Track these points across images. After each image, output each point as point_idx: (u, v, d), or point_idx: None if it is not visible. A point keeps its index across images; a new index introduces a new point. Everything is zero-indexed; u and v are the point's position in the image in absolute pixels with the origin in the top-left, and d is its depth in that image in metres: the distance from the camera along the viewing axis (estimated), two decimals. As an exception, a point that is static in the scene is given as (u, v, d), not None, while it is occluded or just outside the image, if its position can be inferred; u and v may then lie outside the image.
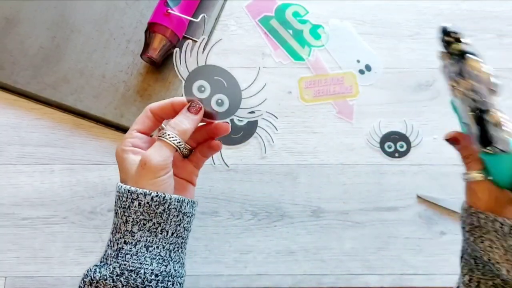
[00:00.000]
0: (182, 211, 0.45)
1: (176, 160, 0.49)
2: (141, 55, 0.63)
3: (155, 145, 0.44)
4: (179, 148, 0.44)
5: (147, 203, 0.42)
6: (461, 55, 0.40)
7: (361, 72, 0.68)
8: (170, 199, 0.43)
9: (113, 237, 0.43)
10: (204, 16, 0.65)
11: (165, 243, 0.44)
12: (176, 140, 0.44)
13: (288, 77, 0.67)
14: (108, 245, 0.44)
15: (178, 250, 0.45)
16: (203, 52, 0.45)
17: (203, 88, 0.45)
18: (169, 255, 0.44)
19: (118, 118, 0.63)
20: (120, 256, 0.42)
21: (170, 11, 0.62)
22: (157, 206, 0.43)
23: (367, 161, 0.64)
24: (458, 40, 0.41)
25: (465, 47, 0.40)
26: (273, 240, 0.61)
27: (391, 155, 0.64)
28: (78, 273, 0.59)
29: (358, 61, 0.68)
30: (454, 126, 0.66)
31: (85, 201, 0.61)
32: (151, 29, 0.62)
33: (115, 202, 0.44)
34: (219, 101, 0.45)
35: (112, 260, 0.42)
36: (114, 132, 0.64)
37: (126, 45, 0.67)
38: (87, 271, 0.43)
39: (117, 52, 0.66)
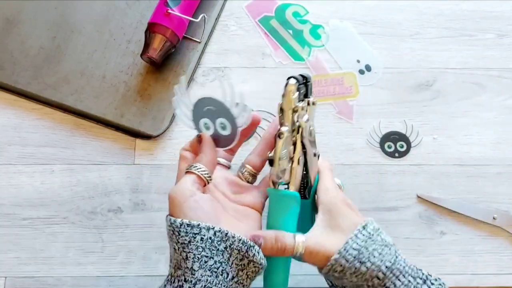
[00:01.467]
0: (248, 257, 0.42)
1: (235, 186, 0.49)
2: (141, 55, 0.63)
3: (181, 178, 0.45)
4: (205, 178, 0.44)
5: (210, 238, 0.41)
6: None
7: (361, 72, 0.68)
8: (233, 236, 0.42)
9: (174, 272, 0.42)
10: (204, 16, 0.65)
11: (224, 286, 0.41)
12: (196, 168, 0.44)
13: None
14: (168, 279, 0.42)
15: None
16: (186, 88, 0.46)
17: (206, 124, 0.46)
18: None
19: (119, 118, 0.63)
20: None
21: (170, 11, 0.62)
22: (219, 243, 0.41)
23: (367, 161, 0.64)
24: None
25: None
26: (273, 240, 0.61)
27: (391, 155, 0.64)
28: (78, 273, 0.59)
29: (358, 61, 0.68)
30: (454, 126, 0.66)
31: (86, 201, 0.61)
32: (151, 29, 0.62)
33: (169, 236, 0.43)
34: (222, 125, 0.46)
35: None
36: (114, 132, 0.64)
37: (127, 45, 0.67)
38: None
39: (118, 52, 0.66)
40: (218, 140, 0.47)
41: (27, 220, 0.60)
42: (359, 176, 0.63)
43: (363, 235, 0.43)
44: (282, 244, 0.43)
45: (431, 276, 0.42)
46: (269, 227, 0.46)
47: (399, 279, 0.41)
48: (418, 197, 0.62)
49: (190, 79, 0.66)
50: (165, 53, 0.63)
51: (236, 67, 0.67)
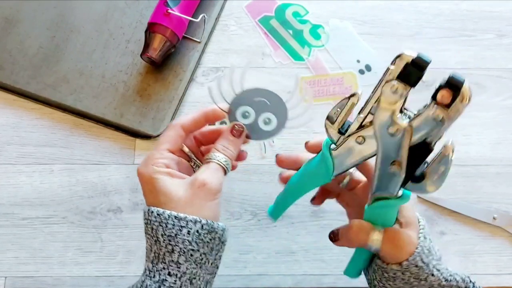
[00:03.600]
0: (222, 240, 0.43)
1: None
2: (141, 55, 0.63)
3: (212, 167, 0.43)
4: (227, 171, 0.44)
5: (197, 231, 0.40)
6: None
7: (361, 72, 0.68)
8: (218, 227, 0.41)
9: (153, 266, 0.40)
10: (204, 16, 0.65)
11: (205, 274, 0.42)
12: (228, 164, 0.43)
13: (288, 77, 0.67)
14: (146, 274, 0.41)
15: (211, 281, 0.43)
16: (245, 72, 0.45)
17: (247, 114, 0.45)
18: (206, 286, 0.42)
19: (118, 118, 0.63)
20: None
21: (170, 11, 0.62)
22: (205, 235, 0.41)
23: (367, 161, 0.64)
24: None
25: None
26: (273, 240, 0.61)
27: (391, 155, 0.64)
28: (78, 273, 0.59)
29: (358, 61, 0.68)
30: (454, 126, 0.65)
31: (85, 201, 0.61)
32: (151, 29, 0.62)
33: (152, 228, 0.41)
34: (267, 120, 0.45)
35: None
36: (113, 132, 0.64)
37: (126, 45, 0.67)
38: None
39: (117, 52, 0.66)
40: (247, 133, 0.46)
41: (26, 219, 0.60)
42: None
43: (427, 249, 0.43)
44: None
45: (475, 283, 0.44)
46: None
47: None
48: (418, 197, 0.62)
49: (190, 79, 0.66)
50: (165, 53, 0.63)
51: (236, 67, 0.67)
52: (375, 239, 0.43)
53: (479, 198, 0.62)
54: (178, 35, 0.63)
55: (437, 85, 0.38)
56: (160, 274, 0.40)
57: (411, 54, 0.38)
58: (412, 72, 0.38)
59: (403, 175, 0.40)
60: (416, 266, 0.42)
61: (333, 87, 0.67)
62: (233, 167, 0.48)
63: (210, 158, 0.43)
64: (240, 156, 0.48)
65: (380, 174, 0.41)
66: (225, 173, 0.44)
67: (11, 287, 0.58)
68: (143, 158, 0.44)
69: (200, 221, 0.40)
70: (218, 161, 0.43)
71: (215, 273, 0.44)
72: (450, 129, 0.68)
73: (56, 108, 0.65)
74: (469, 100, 0.37)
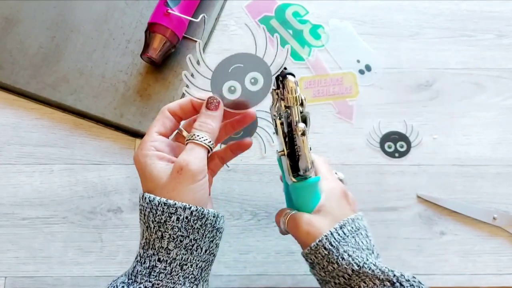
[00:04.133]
0: (216, 227, 0.42)
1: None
2: (141, 55, 0.63)
3: (188, 148, 0.41)
4: (210, 148, 0.42)
5: (186, 217, 0.40)
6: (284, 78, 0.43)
7: (361, 72, 0.68)
8: (208, 213, 0.41)
9: (144, 252, 0.41)
10: (204, 16, 0.65)
11: (198, 260, 0.41)
12: (207, 140, 0.41)
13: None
14: (137, 260, 0.41)
15: (207, 268, 0.43)
16: (202, 56, 0.43)
17: (232, 88, 0.43)
18: (201, 273, 0.42)
19: (118, 118, 0.63)
20: (153, 275, 0.39)
21: (170, 11, 0.62)
22: (195, 222, 0.40)
23: (367, 161, 0.64)
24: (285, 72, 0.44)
25: (288, 71, 0.44)
26: (273, 240, 0.61)
27: (391, 155, 0.64)
28: (78, 273, 0.59)
29: (358, 61, 0.68)
30: (454, 126, 0.66)
31: (85, 201, 0.61)
32: (151, 29, 0.62)
33: (144, 214, 0.41)
34: (252, 80, 0.43)
35: (143, 279, 0.39)
36: (113, 132, 0.64)
37: (126, 45, 0.66)
38: (112, 285, 0.40)
39: (117, 52, 0.66)
40: (242, 103, 0.44)
41: (26, 219, 0.60)
42: (359, 176, 0.63)
43: (339, 234, 0.44)
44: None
45: (403, 276, 0.42)
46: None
47: (364, 282, 0.42)
48: (418, 197, 0.62)
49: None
50: (165, 53, 0.63)
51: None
52: (282, 221, 0.47)
53: (479, 198, 0.62)
54: (178, 35, 0.63)
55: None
56: (150, 260, 0.40)
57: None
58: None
59: (288, 162, 0.45)
60: (325, 248, 0.43)
61: (333, 87, 0.67)
62: (248, 144, 0.48)
63: (188, 139, 0.42)
64: (244, 145, 0.47)
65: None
66: (208, 151, 0.42)
67: (11, 287, 0.58)
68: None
69: (190, 208, 0.40)
70: (195, 139, 0.41)
71: (212, 261, 0.44)
72: (450, 128, 0.68)
73: (56, 108, 0.65)
74: (292, 91, 0.42)
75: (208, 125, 0.42)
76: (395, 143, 0.64)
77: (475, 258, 0.61)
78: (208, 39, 0.68)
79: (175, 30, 0.62)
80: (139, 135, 0.63)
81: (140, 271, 0.40)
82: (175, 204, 0.40)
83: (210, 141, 0.42)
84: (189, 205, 0.40)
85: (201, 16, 0.64)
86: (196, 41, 0.67)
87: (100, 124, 0.64)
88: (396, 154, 0.64)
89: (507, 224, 0.61)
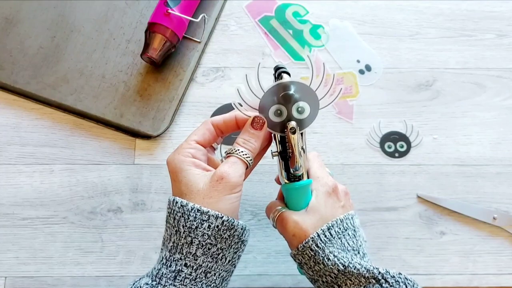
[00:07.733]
0: (242, 239, 0.43)
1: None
2: (141, 55, 0.63)
3: (231, 160, 0.43)
4: (249, 165, 0.44)
5: (217, 226, 0.41)
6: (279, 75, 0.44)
7: (361, 72, 0.68)
8: (237, 225, 0.42)
9: (170, 255, 0.41)
10: (204, 16, 0.65)
11: (221, 270, 0.42)
12: (249, 157, 0.43)
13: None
14: (163, 263, 0.41)
15: (227, 279, 0.44)
16: (257, 78, 0.44)
17: (279, 112, 0.44)
18: (221, 283, 0.43)
19: (118, 118, 0.63)
20: (178, 279, 0.40)
21: (170, 11, 0.62)
22: (224, 231, 0.41)
23: (367, 161, 0.64)
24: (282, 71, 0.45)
25: (283, 69, 0.45)
26: (273, 240, 0.61)
27: (391, 155, 0.64)
28: (78, 273, 0.59)
29: (358, 61, 0.68)
30: (454, 126, 0.66)
31: (85, 201, 0.61)
32: (151, 29, 0.62)
33: (175, 218, 0.41)
34: (299, 109, 0.44)
35: (168, 282, 0.40)
36: (113, 132, 0.64)
37: (126, 45, 0.66)
38: (136, 286, 0.41)
39: (117, 52, 0.66)
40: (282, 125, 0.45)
41: (26, 220, 0.60)
42: (359, 176, 0.63)
43: (325, 236, 0.44)
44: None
45: (388, 273, 0.42)
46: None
47: (350, 280, 0.43)
48: (418, 197, 0.62)
49: (190, 79, 0.66)
50: (165, 53, 0.63)
51: (236, 67, 0.67)
52: (272, 217, 0.47)
53: (479, 198, 0.62)
54: (178, 35, 0.63)
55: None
56: (176, 264, 0.40)
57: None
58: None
59: (281, 161, 0.46)
60: (311, 249, 0.43)
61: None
62: (258, 158, 0.48)
63: (230, 152, 0.43)
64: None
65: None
66: (247, 167, 0.44)
67: (11, 287, 0.58)
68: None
69: (222, 217, 0.41)
70: (238, 154, 0.43)
71: (232, 272, 0.45)
72: (450, 128, 0.68)
73: (56, 108, 0.65)
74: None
75: (251, 144, 0.44)
76: (395, 143, 0.64)
77: (475, 258, 0.61)
78: (208, 39, 0.68)
79: (175, 30, 0.62)
80: (139, 135, 0.63)
81: (165, 274, 0.40)
82: (208, 211, 0.40)
83: (251, 159, 0.44)
84: (221, 214, 0.41)
85: (201, 16, 0.64)
86: (196, 41, 0.67)
87: (100, 124, 0.64)
88: (396, 154, 0.64)
89: (507, 224, 0.61)
